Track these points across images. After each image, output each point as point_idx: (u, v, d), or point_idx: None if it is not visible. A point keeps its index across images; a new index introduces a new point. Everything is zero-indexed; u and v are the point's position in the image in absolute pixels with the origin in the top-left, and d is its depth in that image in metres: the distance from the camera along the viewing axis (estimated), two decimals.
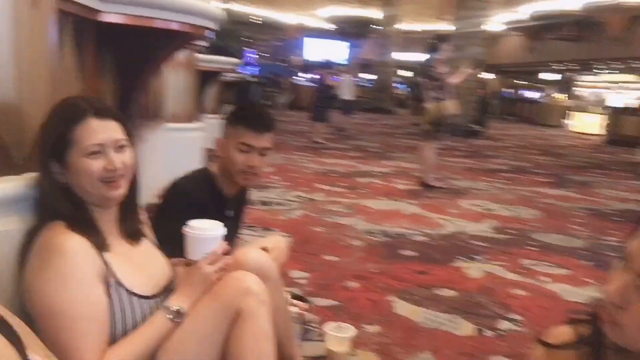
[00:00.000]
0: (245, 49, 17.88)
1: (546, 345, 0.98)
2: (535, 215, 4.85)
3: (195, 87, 5.38)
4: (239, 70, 8.91)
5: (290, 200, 4.72)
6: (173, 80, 4.88)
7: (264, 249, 1.64)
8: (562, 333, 0.97)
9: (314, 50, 24.32)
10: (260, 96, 11.26)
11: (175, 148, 3.95)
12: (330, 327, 1.95)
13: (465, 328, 2.36)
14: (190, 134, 4.99)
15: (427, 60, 5.92)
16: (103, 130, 1.21)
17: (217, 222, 1.37)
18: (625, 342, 0.82)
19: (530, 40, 21.66)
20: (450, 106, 5.73)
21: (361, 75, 21.53)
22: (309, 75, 21.26)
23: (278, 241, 1.86)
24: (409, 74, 23.60)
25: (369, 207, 4.62)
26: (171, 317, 1.25)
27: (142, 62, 2.38)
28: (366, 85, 22.55)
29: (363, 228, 3.91)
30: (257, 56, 23.78)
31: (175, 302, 1.27)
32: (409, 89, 19.53)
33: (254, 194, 3.63)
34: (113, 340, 1.18)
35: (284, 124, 11.65)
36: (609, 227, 4.57)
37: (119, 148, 1.24)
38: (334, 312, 2.37)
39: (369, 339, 2.15)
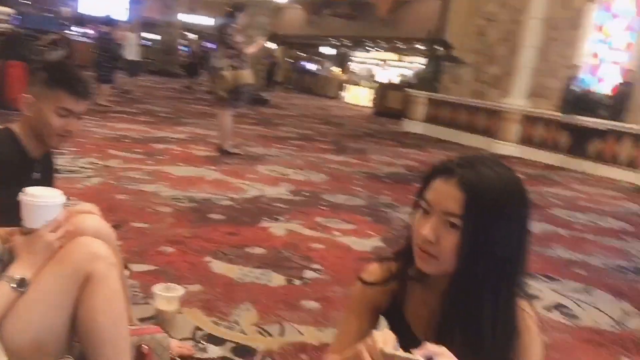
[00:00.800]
0: None
1: (363, 281, 1.18)
2: (323, 178, 5.40)
3: None
4: (8, 21, 7.76)
5: (83, 168, 4.43)
6: None
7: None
8: (375, 270, 1.18)
9: (89, 2, 22.11)
10: (30, 51, 9.94)
11: None
12: (158, 288, 2.02)
13: (276, 279, 2.63)
14: None
15: (222, 26, 6.00)
16: None
17: (56, 189, 1.35)
18: (439, 269, 1.01)
19: (311, 14, 22.96)
20: (246, 75, 5.93)
21: (145, 35, 20.36)
22: (84, 30, 19.37)
23: (92, 208, 1.84)
24: (195, 36, 23.14)
25: (170, 174, 4.61)
26: (14, 286, 1.22)
27: None
28: (151, 45, 21.46)
29: (168, 194, 3.91)
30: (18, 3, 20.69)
31: (18, 271, 1.24)
32: (190, 53, 19.07)
33: None
34: None
35: None
36: (381, 187, 5.34)
37: None
38: (154, 276, 2.41)
39: (193, 297, 2.27)
